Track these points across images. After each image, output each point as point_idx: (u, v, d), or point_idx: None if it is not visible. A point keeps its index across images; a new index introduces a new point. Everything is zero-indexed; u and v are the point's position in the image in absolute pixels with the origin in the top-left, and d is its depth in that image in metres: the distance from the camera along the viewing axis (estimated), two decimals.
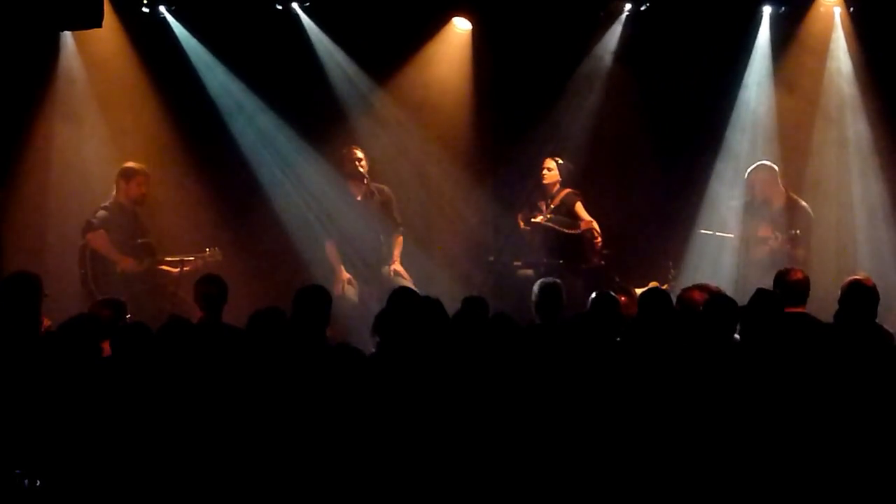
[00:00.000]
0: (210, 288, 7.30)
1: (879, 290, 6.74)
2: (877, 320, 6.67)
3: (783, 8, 10.52)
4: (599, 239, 10.12)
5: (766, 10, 10.56)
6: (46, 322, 7.14)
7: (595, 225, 10.15)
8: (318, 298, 6.44)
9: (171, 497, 5.42)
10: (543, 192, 10.38)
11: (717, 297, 6.63)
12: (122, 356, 5.92)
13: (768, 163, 9.87)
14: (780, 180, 9.81)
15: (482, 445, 5.58)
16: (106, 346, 6.16)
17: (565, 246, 10.14)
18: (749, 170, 9.87)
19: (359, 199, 10.24)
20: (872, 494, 5.52)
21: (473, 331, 6.36)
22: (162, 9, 10.48)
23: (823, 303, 7.38)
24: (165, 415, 5.58)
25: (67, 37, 10.30)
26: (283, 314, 6.23)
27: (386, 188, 10.39)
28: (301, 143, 10.74)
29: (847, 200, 10.45)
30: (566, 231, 10.15)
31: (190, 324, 6.25)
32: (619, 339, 6.57)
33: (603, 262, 10.09)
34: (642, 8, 10.61)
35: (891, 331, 6.68)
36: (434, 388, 5.78)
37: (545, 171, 10.32)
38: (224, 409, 5.64)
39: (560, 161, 10.33)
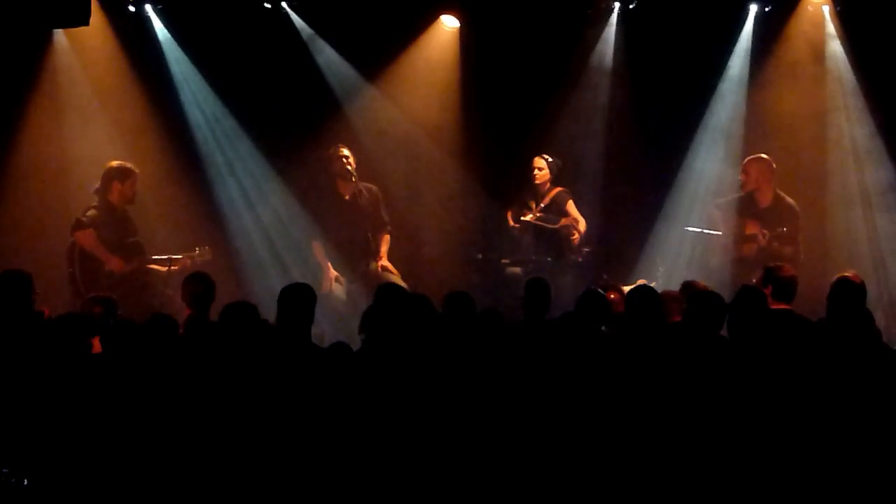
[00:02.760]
0: (198, 286, 7.30)
1: (868, 287, 6.78)
2: None
3: (768, 7, 10.56)
4: (577, 236, 10.12)
5: (752, 9, 10.60)
6: (46, 311, 7.13)
7: (580, 224, 10.16)
8: (303, 296, 6.41)
9: (161, 495, 5.41)
10: (534, 190, 10.39)
11: (702, 294, 6.64)
12: (112, 353, 5.91)
13: (764, 155, 9.89)
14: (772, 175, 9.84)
15: (469, 442, 5.58)
16: (96, 343, 6.15)
17: (553, 243, 10.15)
18: (746, 159, 9.89)
19: (346, 197, 10.22)
20: (863, 491, 5.53)
21: (458, 326, 6.36)
22: (148, 7, 10.47)
23: (813, 299, 7.41)
24: (154, 412, 5.57)
25: (60, 35, 10.27)
26: (253, 308, 6.19)
27: (374, 187, 10.37)
28: (289, 142, 10.73)
29: (835, 196, 10.49)
30: (549, 226, 10.18)
31: (174, 321, 6.23)
32: (605, 332, 6.59)
33: (580, 259, 10.09)
34: (631, 6, 10.64)
35: (879, 328, 6.69)
36: (419, 384, 5.78)
37: (536, 171, 10.32)
38: (212, 407, 5.63)
39: (550, 159, 10.34)
